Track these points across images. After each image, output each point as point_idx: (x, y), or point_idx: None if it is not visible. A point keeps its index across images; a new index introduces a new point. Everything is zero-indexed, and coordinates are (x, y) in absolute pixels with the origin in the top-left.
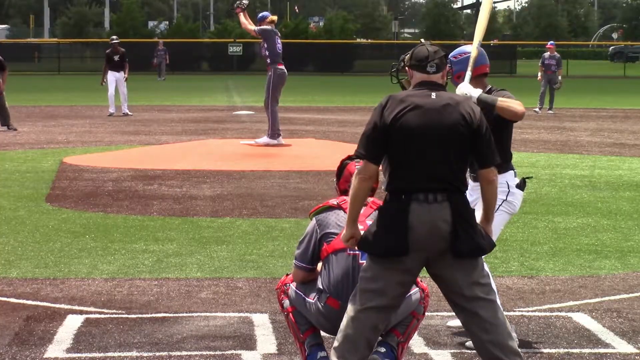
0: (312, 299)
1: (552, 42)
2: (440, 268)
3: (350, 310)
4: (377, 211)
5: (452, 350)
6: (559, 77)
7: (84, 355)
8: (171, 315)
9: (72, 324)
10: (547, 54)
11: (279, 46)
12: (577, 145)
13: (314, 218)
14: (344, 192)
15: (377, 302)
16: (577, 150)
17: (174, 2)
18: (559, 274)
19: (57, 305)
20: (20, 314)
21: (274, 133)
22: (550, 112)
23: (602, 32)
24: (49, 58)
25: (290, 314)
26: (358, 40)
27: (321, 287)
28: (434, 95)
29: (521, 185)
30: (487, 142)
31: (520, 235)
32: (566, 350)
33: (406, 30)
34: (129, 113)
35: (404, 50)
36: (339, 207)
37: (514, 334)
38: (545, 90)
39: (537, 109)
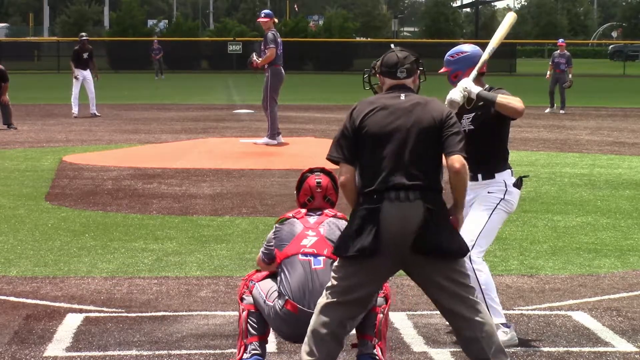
0: (271, 302)
1: (562, 39)
2: (416, 267)
3: (318, 306)
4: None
5: (452, 349)
6: (569, 76)
7: (83, 353)
8: (171, 313)
9: (71, 322)
10: (557, 52)
11: (281, 48)
12: (576, 144)
13: (275, 226)
14: (303, 205)
15: (344, 298)
16: (576, 149)
17: (174, 1)
18: (559, 273)
19: (57, 304)
20: (19, 313)
21: (273, 134)
22: (562, 111)
23: (601, 31)
24: (49, 57)
25: (246, 312)
26: (358, 38)
27: (280, 291)
28: (402, 96)
29: (518, 184)
30: (454, 132)
31: (520, 233)
32: (566, 348)
33: (406, 28)
34: (97, 114)
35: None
36: (293, 217)
37: (512, 334)
38: (553, 90)
39: (548, 110)
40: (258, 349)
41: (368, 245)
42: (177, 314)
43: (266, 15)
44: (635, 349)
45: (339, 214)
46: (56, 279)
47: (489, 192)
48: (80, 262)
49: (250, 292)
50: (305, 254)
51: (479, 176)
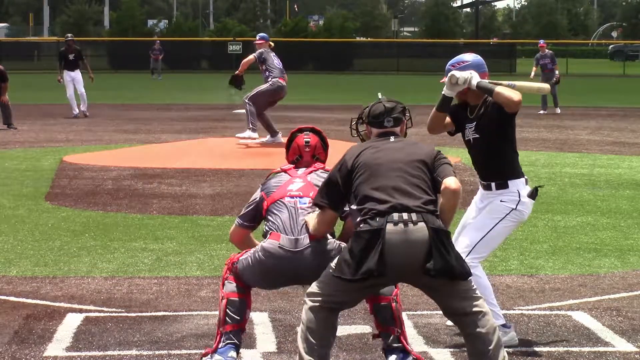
0: (257, 247)
1: (542, 40)
2: (423, 284)
3: (304, 311)
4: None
5: (452, 349)
6: (556, 72)
7: (83, 353)
8: (171, 313)
9: (71, 322)
10: (539, 54)
11: (278, 61)
12: (576, 144)
13: (260, 185)
14: (292, 163)
15: (331, 306)
16: (576, 149)
17: (174, 1)
18: (559, 273)
19: (57, 304)
20: (19, 313)
21: (254, 127)
22: (558, 110)
23: (601, 31)
24: (49, 56)
25: (225, 300)
26: (357, 38)
27: (267, 230)
28: (392, 138)
29: (533, 194)
30: (446, 162)
31: (520, 233)
32: (566, 348)
33: (406, 28)
34: (87, 114)
35: (403, 49)
36: (282, 170)
37: (512, 334)
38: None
39: (542, 111)
40: (233, 338)
41: (374, 268)
42: (177, 313)
43: (261, 38)
44: (635, 349)
45: (326, 167)
46: (56, 279)
47: (501, 201)
48: (80, 262)
49: (236, 275)
50: (292, 196)
51: (492, 185)
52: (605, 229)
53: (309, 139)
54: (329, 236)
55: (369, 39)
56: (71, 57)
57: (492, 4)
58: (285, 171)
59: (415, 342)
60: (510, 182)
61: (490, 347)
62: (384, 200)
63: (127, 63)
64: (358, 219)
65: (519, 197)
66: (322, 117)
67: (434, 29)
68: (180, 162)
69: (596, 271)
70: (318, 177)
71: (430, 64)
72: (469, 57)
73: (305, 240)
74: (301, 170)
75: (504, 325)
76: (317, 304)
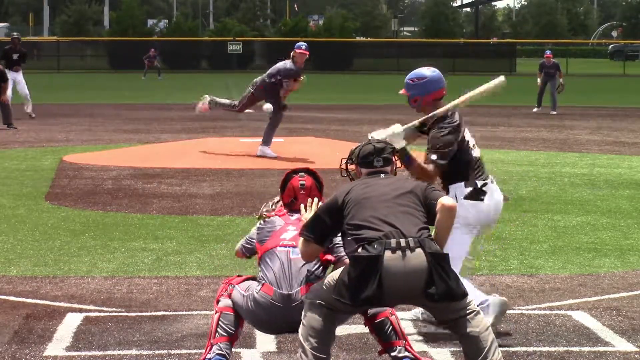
0: (249, 292)
1: (548, 51)
2: (422, 304)
3: (310, 304)
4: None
5: (452, 349)
6: (560, 80)
7: (83, 353)
8: (171, 313)
9: (71, 322)
10: (545, 62)
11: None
12: (576, 144)
13: (259, 222)
14: (287, 205)
15: (335, 311)
16: (576, 149)
17: (174, 1)
18: (559, 272)
19: (57, 304)
20: (19, 312)
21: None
22: (553, 112)
23: (601, 31)
24: (49, 56)
25: (219, 314)
26: (357, 38)
27: (260, 278)
28: (382, 175)
29: (473, 195)
30: (437, 189)
31: (520, 233)
32: (566, 348)
33: (405, 28)
34: (33, 115)
35: (403, 49)
36: (275, 215)
37: (499, 303)
38: (543, 90)
39: (535, 109)
40: (222, 350)
41: (372, 295)
42: (177, 313)
43: (307, 49)
44: (635, 349)
45: None
46: (56, 279)
47: None
48: (80, 261)
49: (229, 295)
50: (285, 246)
51: None
52: (605, 228)
53: (304, 182)
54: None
55: (369, 38)
56: (15, 56)
57: (492, 3)
58: (280, 216)
59: (415, 342)
60: (450, 187)
61: (486, 346)
62: (379, 228)
63: (127, 63)
64: (354, 246)
65: (456, 199)
66: (322, 116)
67: (434, 28)
68: (180, 162)
69: (596, 271)
70: None
71: (430, 63)
72: (428, 72)
73: (297, 295)
74: (295, 216)
75: (482, 303)
76: (318, 302)
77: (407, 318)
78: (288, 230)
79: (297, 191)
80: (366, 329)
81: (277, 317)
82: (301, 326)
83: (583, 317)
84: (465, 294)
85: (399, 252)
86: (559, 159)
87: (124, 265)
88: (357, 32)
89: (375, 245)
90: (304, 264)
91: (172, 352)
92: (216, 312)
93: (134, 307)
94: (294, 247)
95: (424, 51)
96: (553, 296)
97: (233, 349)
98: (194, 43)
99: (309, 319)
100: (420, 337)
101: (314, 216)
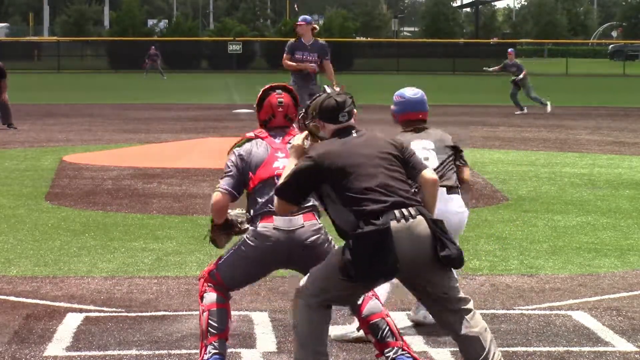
0: (240, 241)
1: (511, 49)
2: (426, 278)
3: (306, 305)
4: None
5: (451, 349)
6: (520, 76)
7: (83, 353)
8: (171, 313)
9: (71, 322)
10: (508, 61)
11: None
12: (576, 144)
13: (235, 150)
14: (264, 123)
15: (335, 303)
16: (576, 149)
17: (174, 1)
18: (559, 272)
19: (57, 304)
20: (19, 312)
21: None
22: (525, 110)
23: (601, 31)
24: (49, 56)
25: (207, 312)
26: (357, 38)
27: (256, 212)
28: (354, 133)
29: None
30: (414, 154)
31: (520, 233)
32: (566, 348)
33: (406, 28)
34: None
35: (403, 49)
36: (256, 137)
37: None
38: (515, 92)
39: (518, 112)
40: (218, 348)
41: (389, 267)
42: (177, 313)
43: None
44: (635, 349)
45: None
46: (56, 279)
47: None
48: (80, 261)
49: (217, 282)
50: (279, 175)
51: None
52: (605, 228)
53: (282, 99)
54: (317, 219)
55: (369, 38)
56: None
57: (492, 3)
58: (262, 138)
59: (415, 341)
60: None
61: (485, 347)
62: (379, 199)
63: (127, 63)
64: (355, 220)
65: None
66: None
67: (434, 28)
68: (180, 162)
69: (596, 271)
70: None
71: (431, 63)
72: (409, 93)
73: (299, 219)
74: (279, 139)
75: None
76: (315, 303)
77: (411, 318)
78: (278, 157)
79: (274, 108)
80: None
81: (279, 246)
82: (297, 330)
83: (583, 317)
84: (463, 259)
85: (403, 221)
86: (559, 159)
87: (124, 265)
88: (357, 32)
89: (381, 218)
90: None
91: (172, 352)
92: (203, 312)
93: (134, 307)
94: None
95: (424, 51)
96: (553, 296)
97: (233, 350)
98: (194, 43)
99: (305, 322)
100: (421, 338)
101: (290, 179)
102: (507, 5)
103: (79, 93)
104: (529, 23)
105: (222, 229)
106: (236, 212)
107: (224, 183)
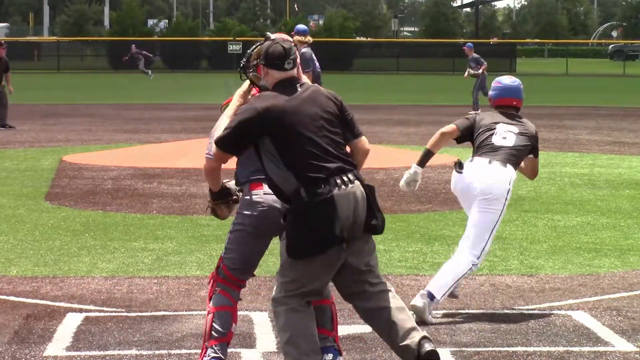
0: (237, 214)
1: (469, 44)
2: (353, 249)
3: (284, 310)
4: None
5: (452, 349)
6: (477, 71)
7: (83, 353)
8: (171, 313)
9: (71, 322)
10: (470, 58)
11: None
12: (576, 144)
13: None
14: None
15: (308, 295)
16: (576, 149)
17: (174, 1)
18: (559, 272)
19: (57, 304)
20: (19, 312)
21: None
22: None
23: (601, 30)
24: (49, 56)
25: (212, 315)
26: (358, 38)
27: (241, 180)
28: (298, 87)
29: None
30: (352, 116)
31: (520, 233)
32: (566, 348)
33: (406, 28)
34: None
35: (403, 49)
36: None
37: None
38: (475, 91)
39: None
40: (217, 352)
41: (336, 235)
42: (177, 313)
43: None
44: (635, 349)
45: None
46: (56, 279)
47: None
48: (80, 261)
49: (223, 285)
50: None
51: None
52: (605, 228)
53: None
54: None
55: (369, 38)
56: None
57: (492, 3)
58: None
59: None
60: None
61: (409, 327)
62: (322, 165)
63: (127, 63)
64: (295, 183)
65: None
66: None
67: (434, 28)
68: (180, 162)
69: (596, 271)
70: None
71: (431, 63)
72: (507, 81)
73: None
74: None
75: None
76: (291, 304)
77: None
78: None
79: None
80: (365, 329)
81: (274, 212)
82: (280, 337)
83: (583, 317)
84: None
85: (343, 188)
86: (559, 158)
87: (124, 265)
88: (357, 32)
89: (323, 186)
90: None
91: (172, 352)
92: (209, 313)
93: (134, 307)
94: None
95: (424, 51)
96: (553, 296)
97: (234, 349)
98: (194, 43)
99: (291, 326)
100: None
101: (231, 131)
102: (507, 5)
103: (79, 93)
104: (529, 23)
105: (220, 197)
106: (232, 184)
107: (213, 148)
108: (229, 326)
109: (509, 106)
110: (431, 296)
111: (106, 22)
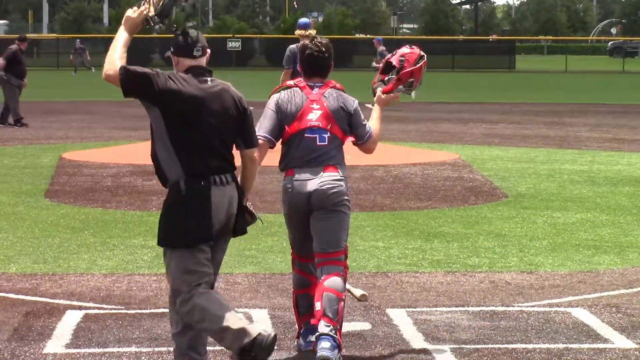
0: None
1: (379, 38)
2: (219, 245)
3: (193, 299)
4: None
5: (451, 346)
6: (380, 65)
7: (83, 350)
8: None
9: (71, 319)
10: (378, 52)
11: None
12: (576, 141)
13: (274, 96)
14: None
15: (208, 278)
16: (576, 146)
17: None
18: (558, 269)
19: (56, 301)
20: (19, 310)
21: None
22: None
23: (601, 27)
24: (48, 53)
25: (295, 295)
26: (357, 35)
27: (281, 166)
28: (209, 81)
29: None
30: (251, 124)
31: (519, 230)
32: (565, 345)
33: (405, 25)
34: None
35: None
36: (295, 85)
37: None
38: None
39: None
40: (309, 324)
41: (205, 234)
42: None
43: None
44: (634, 346)
45: (337, 84)
46: (55, 276)
47: None
48: (80, 259)
49: (297, 266)
50: (312, 129)
51: None
52: (604, 225)
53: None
54: (338, 172)
55: (368, 35)
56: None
57: (491, 0)
58: (300, 88)
59: (414, 339)
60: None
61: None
62: (207, 162)
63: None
64: (178, 169)
65: None
66: None
67: (433, 25)
68: None
69: (595, 268)
70: (333, 103)
71: (430, 60)
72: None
73: (319, 170)
74: (316, 90)
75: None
76: (192, 289)
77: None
78: (313, 109)
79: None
80: (365, 328)
81: (298, 197)
82: (204, 321)
83: (582, 314)
84: None
85: (221, 187)
86: (559, 155)
87: (123, 262)
88: (357, 29)
89: (203, 182)
90: (328, 147)
91: (172, 349)
92: (293, 293)
93: (134, 304)
94: (320, 128)
95: (423, 48)
96: (552, 293)
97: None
98: None
99: (200, 309)
100: (420, 335)
101: (137, 70)
102: (507, 2)
103: (78, 90)
104: (528, 20)
105: None
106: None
107: (263, 130)
108: (306, 306)
109: None
110: None
111: (105, 20)
